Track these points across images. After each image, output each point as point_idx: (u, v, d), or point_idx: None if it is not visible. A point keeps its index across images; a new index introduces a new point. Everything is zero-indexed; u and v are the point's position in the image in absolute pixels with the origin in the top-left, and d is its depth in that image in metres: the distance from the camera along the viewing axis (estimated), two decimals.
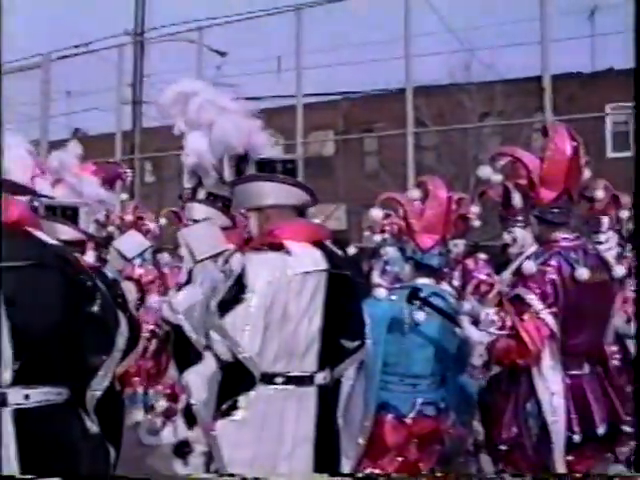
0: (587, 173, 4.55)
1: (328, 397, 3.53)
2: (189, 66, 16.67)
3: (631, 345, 6.05)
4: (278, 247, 3.70)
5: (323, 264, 3.62)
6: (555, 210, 4.34)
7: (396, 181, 13.77)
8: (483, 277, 6.37)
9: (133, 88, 19.38)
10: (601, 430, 4.32)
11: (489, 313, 4.53)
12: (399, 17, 14.27)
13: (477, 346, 4.29)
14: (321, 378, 3.47)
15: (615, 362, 6.07)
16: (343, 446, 4.68)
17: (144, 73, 19.25)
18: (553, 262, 4.22)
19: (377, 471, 4.61)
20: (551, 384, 4.19)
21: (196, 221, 4.91)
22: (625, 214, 6.69)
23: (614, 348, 6.00)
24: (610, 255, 6.37)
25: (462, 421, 4.81)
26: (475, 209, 6.69)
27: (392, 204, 5.00)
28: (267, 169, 3.88)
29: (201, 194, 5.08)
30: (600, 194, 6.40)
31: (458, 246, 6.60)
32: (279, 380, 3.64)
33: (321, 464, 3.55)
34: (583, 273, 4.18)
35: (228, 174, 4.62)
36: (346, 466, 4.67)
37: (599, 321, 4.44)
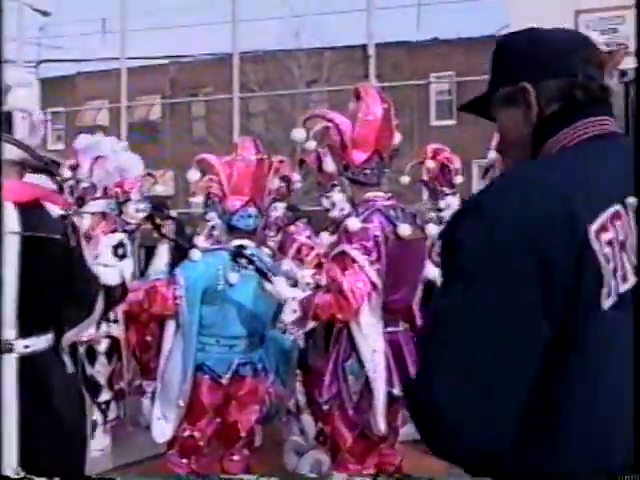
0: (398, 136, 4.64)
1: (37, 366, 3.32)
2: (9, 26, 15.90)
3: None
4: None
5: (15, 227, 3.21)
6: (367, 171, 4.38)
7: (223, 146, 13.72)
8: (303, 240, 6.42)
9: None
10: None
11: (305, 275, 4.59)
12: None
13: (289, 302, 4.24)
14: (21, 346, 3.17)
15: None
16: (162, 409, 4.67)
17: None
18: (375, 219, 4.25)
19: (196, 433, 4.63)
20: (372, 341, 4.22)
21: None
22: (459, 180, 6.87)
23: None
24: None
25: (282, 381, 4.87)
26: (296, 175, 6.75)
27: (207, 167, 4.96)
28: None
29: None
30: (431, 164, 6.56)
31: (277, 209, 6.63)
32: None
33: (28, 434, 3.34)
34: (405, 229, 4.25)
35: None
36: (167, 430, 4.67)
37: (413, 279, 4.50)
